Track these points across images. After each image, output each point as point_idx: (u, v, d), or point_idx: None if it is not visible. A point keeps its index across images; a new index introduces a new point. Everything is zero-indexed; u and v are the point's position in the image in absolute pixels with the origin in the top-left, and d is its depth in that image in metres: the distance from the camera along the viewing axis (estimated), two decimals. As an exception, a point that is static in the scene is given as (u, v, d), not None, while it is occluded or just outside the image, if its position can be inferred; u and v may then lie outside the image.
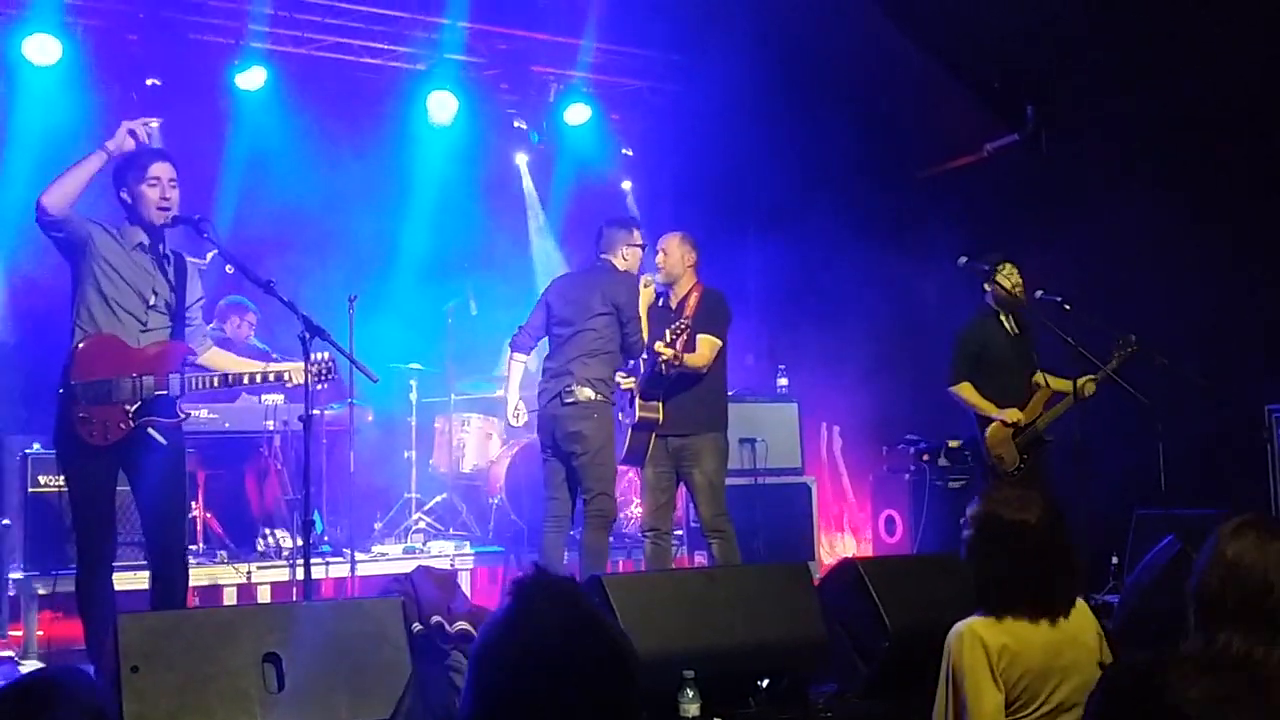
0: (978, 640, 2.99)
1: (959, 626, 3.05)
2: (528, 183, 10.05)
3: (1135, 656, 2.39)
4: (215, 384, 4.84)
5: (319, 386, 4.96)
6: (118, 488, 4.73)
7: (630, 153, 9.94)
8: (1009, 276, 6.48)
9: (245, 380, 4.96)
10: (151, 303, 4.69)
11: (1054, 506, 3.12)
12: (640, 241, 6.25)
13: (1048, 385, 6.51)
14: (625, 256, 6.15)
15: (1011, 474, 6.40)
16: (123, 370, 4.57)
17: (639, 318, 6.01)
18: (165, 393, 4.62)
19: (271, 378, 4.95)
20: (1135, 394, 6.19)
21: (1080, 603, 3.14)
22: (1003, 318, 6.61)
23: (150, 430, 4.62)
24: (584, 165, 9.79)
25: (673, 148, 9.67)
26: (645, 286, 6.14)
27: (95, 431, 4.51)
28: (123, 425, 4.55)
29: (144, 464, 4.64)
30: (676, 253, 6.22)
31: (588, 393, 5.86)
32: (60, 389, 4.54)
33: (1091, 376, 6.29)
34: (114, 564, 4.77)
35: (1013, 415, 6.40)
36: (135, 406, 4.57)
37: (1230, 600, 2.37)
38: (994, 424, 6.44)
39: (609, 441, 5.95)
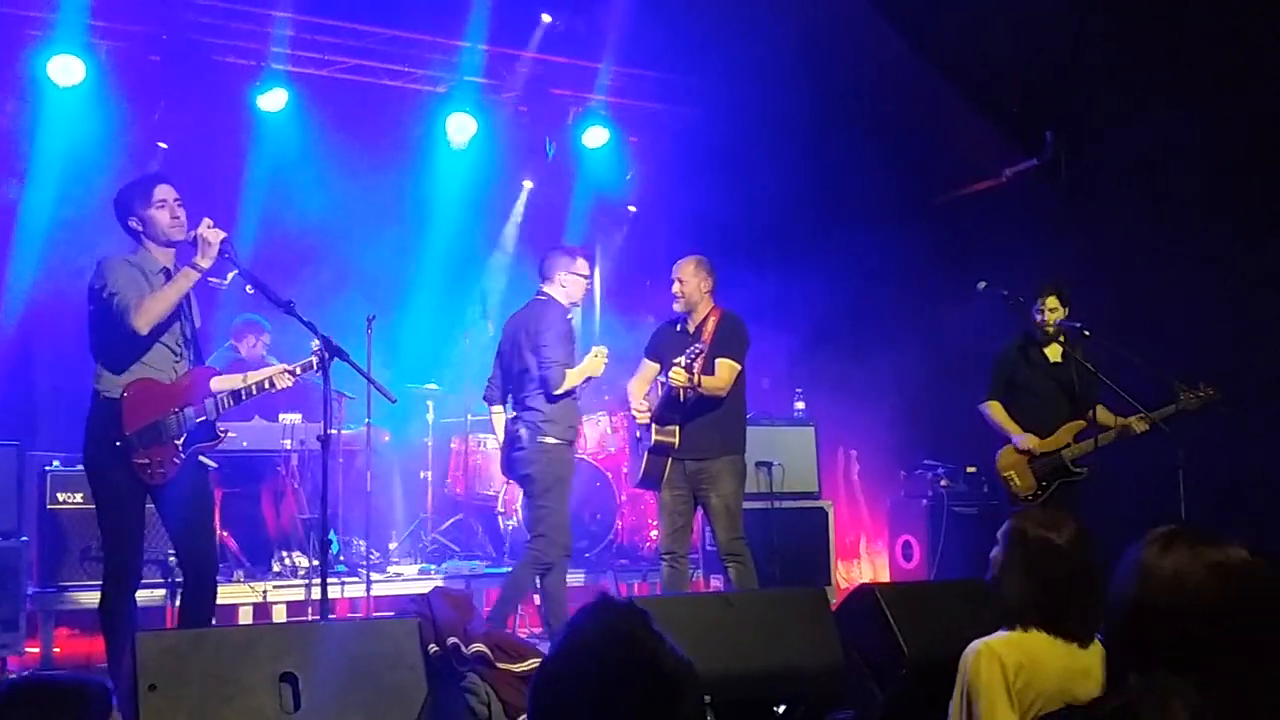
0: (995, 658, 2.96)
1: (976, 644, 3.03)
2: (519, 206, 10.05)
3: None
4: (233, 401, 4.82)
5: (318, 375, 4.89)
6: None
7: (649, 166, 10.01)
8: (1044, 307, 6.44)
9: (255, 390, 4.86)
10: (183, 331, 4.75)
11: (1083, 531, 3.10)
12: (584, 271, 6.17)
13: (1092, 418, 6.35)
14: (564, 284, 6.08)
15: (1025, 500, 6.38)
16: (166, 408, 4.63)
17: (552, 346, 5.87)
18: (204, 419, 4.70)
19: (275, 380, 4.90)
20: (1157, 422, 6.15)
21: (1097, 643, 3.07)
22: (1045, 345, 6.57)
23: (201, 459, 4.76)
24: (602, 187, 9.84)
25: (691, 170, 9.70)
26: (596, 357, 6.03)
27: (155, 473, 4.58)
28: (175, 460, 4.62)
29: (173, 483, 4.67)
30: (693, 279, 6.17)
31: (528, 433, 5.91)
32: (115, 442, 4.54)
33: (1145, 415, 6.19)
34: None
35: (1028, 441, 6.38)
36: (182, 439, 4.64)
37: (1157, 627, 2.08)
38: (1007, 446, 6.46)
39: (556, 484, 5.90)
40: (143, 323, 4.50)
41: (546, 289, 6.10)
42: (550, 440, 5.90)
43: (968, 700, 2.98)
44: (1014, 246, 7.80)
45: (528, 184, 10.04)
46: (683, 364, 5.77)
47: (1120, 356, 6.26)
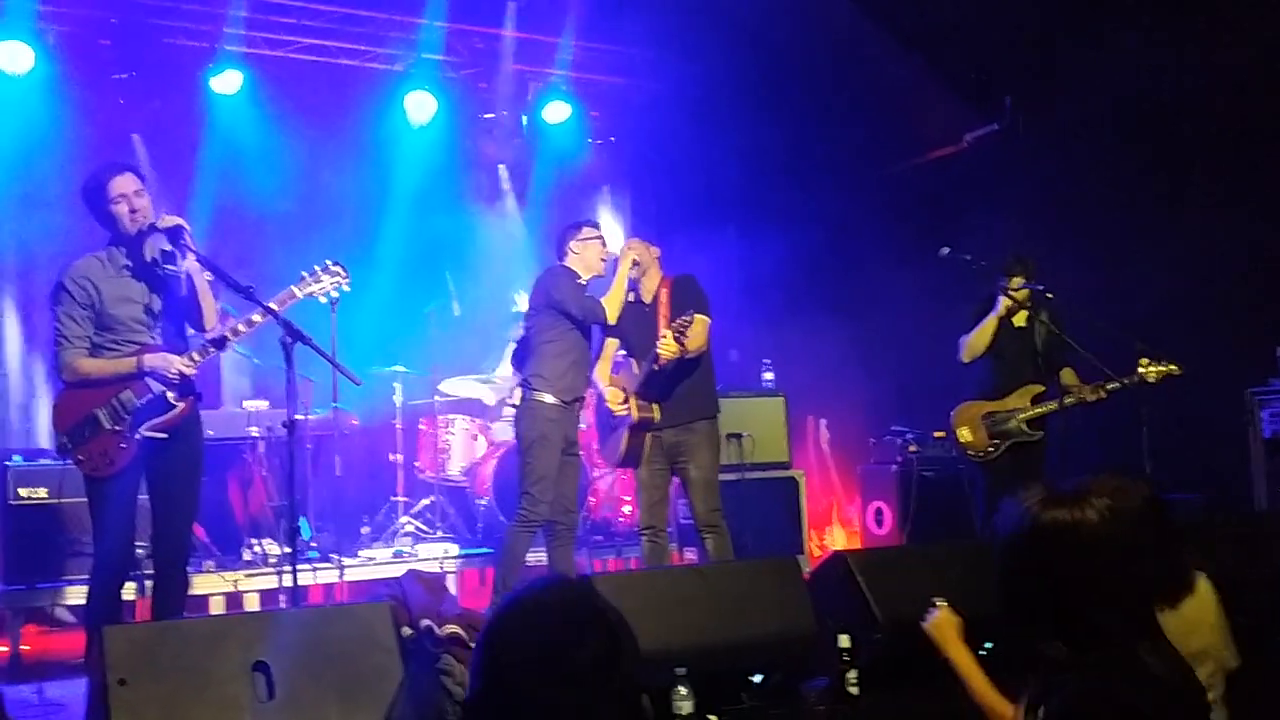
0: None
1: None
2: (506, 186, 10.01)
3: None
4: (203, 355, 4.72)
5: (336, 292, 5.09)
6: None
7: (612, 139, 9.97)
8: (1010, 287, 6.42)
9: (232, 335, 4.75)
10: (151, 323, 4.69)
11: (1155, 499, 2.91)
12: (591, 235, 6.20)
13: (1058, 381, 6.45)
14: (575, 251, 6.13)
15: (978, 457, 6.49)
16: (96, 402, 4.57)
17: (573, 296, 5.96)
18: (151, 395, 4.61)
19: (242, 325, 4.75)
20: (1119, 380, 6.19)
21: (1202, 582, 2.95)
22: (1012, 315, 6.58)
23: (149, 434, 4.62)
24: (565, 162, 9.78)
25: (653, 144, 9.65)
26: (623, 259, 6.14)
27: (100, 464, 4.55)
28: (123, 445, 4.57)
29: (159, 463, 4.68)
30: (640, 245, 6.24)
31: (521, 393, 6.06)
32: (56, 447, 4.66)
33: (1103, 384, 6.21)
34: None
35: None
36: (126, 423, 4.57)
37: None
38: (962, 404, 6.58)
39: (538, 441, 5.89)
40: (68, 376, 4.59)
41: (562, 263, 6.16)
42: (538, 397, 5.91)
43: None
44: (976, 211, 7.82)
45: (503, 167, 9.98)
46: (672, 336, 5.76)
47: (1082, 320, 6.28)
